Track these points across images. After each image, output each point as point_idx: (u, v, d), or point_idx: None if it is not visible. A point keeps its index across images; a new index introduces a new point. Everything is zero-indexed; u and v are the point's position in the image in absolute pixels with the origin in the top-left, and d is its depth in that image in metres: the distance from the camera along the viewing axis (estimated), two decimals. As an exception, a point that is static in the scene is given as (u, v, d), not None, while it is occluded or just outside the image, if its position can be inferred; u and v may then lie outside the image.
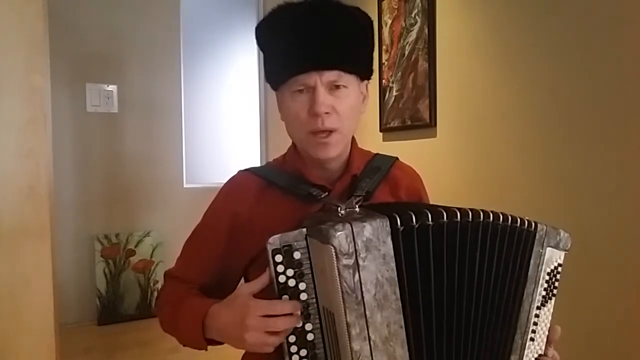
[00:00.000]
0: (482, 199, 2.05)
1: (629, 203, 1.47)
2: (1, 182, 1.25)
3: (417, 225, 0.70)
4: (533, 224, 0.80)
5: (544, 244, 0.81)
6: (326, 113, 0.83)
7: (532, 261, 0.80)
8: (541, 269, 0.81)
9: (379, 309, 0.68)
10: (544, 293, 0.82)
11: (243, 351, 0.94)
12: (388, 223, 0.69)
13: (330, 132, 0.85)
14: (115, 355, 2.36)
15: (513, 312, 0.78)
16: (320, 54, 0.82)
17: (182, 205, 3.02)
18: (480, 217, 0.75)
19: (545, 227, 0.81)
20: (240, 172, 0.97)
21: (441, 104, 2.30)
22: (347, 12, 0.86)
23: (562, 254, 0.84)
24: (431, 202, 1.05)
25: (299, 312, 0.70)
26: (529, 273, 0.80)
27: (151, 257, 2.89)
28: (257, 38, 0.92)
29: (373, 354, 0.68)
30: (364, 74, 0.91)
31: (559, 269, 0.84)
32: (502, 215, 0.77)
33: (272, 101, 3.28)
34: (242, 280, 0.97)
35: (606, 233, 1.53)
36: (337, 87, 0.84)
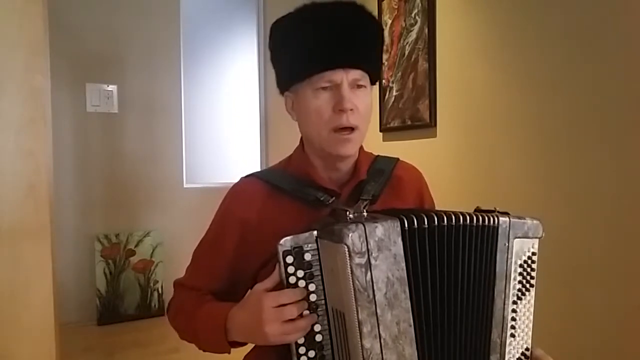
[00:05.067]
0: (482, 198, 2.04)
1: (631, 202, 1.47)
2: (1, 182, 1.25)
3: (417, 228, 0.72)
4: (495, 219, 0.79)
5: (510, 236, 0.80)
6: (350, 110, 0.84)
7: (498, 256, 0.79)
8: (510, 262, 0.80)
9: (389, 307, 0.69)
10: (518, 286, 0.81)
11: (244, 352, 0.94)
12: (399, 224, 0.71)
13: (352, 129, 0.86)
14: (115, 355, 2.35)
15: (486, 310, 0.78)
16: (349, 52, 0.85)
17: (182, 205, 3.02)
18: (460, 221, 0.76)
19: (508, 218, 0.80)
20: (243, 178, 0.96)
21: (441, 104, 2.30)
22: (370, 16, 0.89)
23: (535, 241, 0.83)
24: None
25: (306, 294, 0.72)
26: (497, 269, 0.79)
27: (151, 257, 2.89)
28: (275, 35, 0.92)
29: (383, 352, 0.69)
30: (377, 77, 0.94)
31: (534, 257, 0.82)
32: (473, 216, 0.78)
33: (272, 101, 3.27)
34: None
35: (608, 232, 1.53)
36: (359, 86, 0.87)
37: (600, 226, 1.55)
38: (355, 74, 0.86)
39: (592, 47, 1.57)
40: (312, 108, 0.86)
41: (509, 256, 0.80)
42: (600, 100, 1.55)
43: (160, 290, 2.89)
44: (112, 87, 2.86)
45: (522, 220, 0.82)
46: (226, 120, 3.88)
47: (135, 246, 2.86)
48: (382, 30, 0.95)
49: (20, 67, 1.27)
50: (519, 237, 0.81)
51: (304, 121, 0.90)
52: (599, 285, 1.55)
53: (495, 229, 0.79)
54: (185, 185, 3.09)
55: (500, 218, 0.80)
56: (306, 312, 0.72)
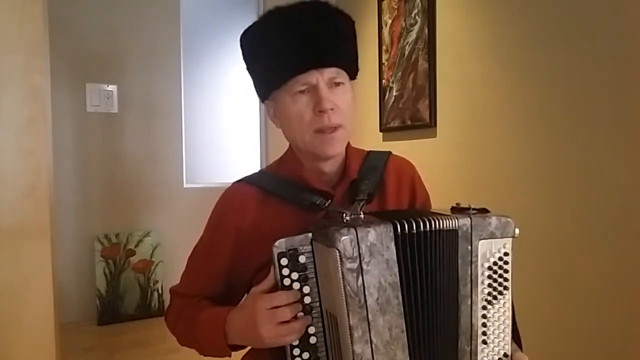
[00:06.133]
0: (482, 198, 2.04)
1: (633, 201, 1.47)
2: (1, 182, 1.25)
3: (408, 233, 0.72)
4: (455, 221, 0.75)
5: (472, 238, 0.75)
6: (331, 109, 0.84)
7: (460, 260, 0.75)
8: (476, 266, 0.76)
9: (381, 313, 0.69)
10: (488, 290, 0.77)
11: (242, 354, 0.94)
12: (392, 229, 0.70)
13: (335, 128, 0.85)
14: (115, 355, 2.35)
15: (453, 318, 0.76)
16: (320, 52, 0.83)
17: (182, 205, 3.02)
18: (451, 225, 0.75)
19: (469, 219, 0.75)
20: (235, 184, 0.95)
21: (441, 104, 2.31)
22: (337, 12, 0.88)
23: (507, 241, 0.77)
24: (431, 202, 1.05)
25: (299, 297, 0.72)
26: (460, 273, 0.75)
27: (151, 257, 2.89)
28: (244, 45, 0.91)
29: (374, 357, 0.68)
30: (354, 72, 0.93)
31: (507, 258, 0.77)
32: (443, 219, 0.75)
33: (272, 101, 3.26)
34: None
35: (612, 231, 1.53)
36: (337, 84, 0.86)
37: (604, 225, 1.55)
38: (331, 73, 0.84)
39: (593, 45, 1.57)
40: (292, 113, 0.86)
41: (473, 260, 0.75)
42: (601, 98, 1.55)
43: (160, 290, 2.89)
44: (112, 87, 2.86)
45: (487, 220, 0.76)
46: (226, 121, 3.88)
47: (135, 246, 2.86)
48: (352, 22, 0.92)
49: (20, 67, 1.27)
50: (484, 239, 0.76)
51: (286, 127, 0.89)
52: (605, 284, 1.55)
53: (455, 232, 0.75)
54: (185, 185, 3.09)
55: (460, 220, 0.75)
56: (300, 314, 0.72)
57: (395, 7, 2.63)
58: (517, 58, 1.87)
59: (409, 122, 2.51)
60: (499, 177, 1.96)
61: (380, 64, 2.76)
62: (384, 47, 2.74)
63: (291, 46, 0.83)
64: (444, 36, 2.28)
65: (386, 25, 2.72)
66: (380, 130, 2.77)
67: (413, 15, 2.46)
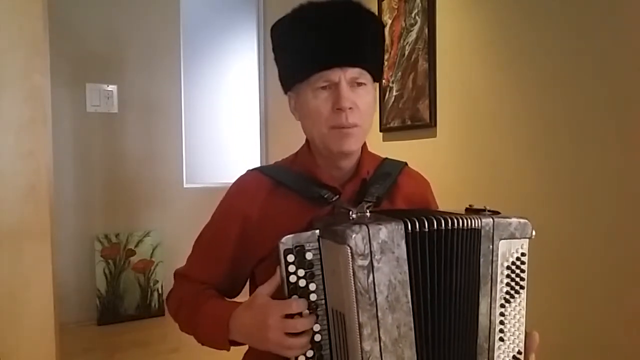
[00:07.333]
0: (483, 198, 2.04)
1: (635, 201, 1.47)
2: (1, 182, 1.25)
3: (419, 231, 0.72)
4: (478, 220, 0.76)
5: (494, 237, 0.77)
6: (350, 109, 0.85)
7: (482, 259, 0.76)
8: (496, 265, 0.77)
9: (390, 310, 0.69)
10: (507, 289, 0.79)
11: (243, 352, 0.94)
12: (403, 227, 0.70)
13: (352, 126, 0.86)
14: (115, 355, 2.35)
15: (472, 315, 0.77)
16: (345, 51, 0.85)
17: (182, 205, 3.02)
18: (460, 224, 0.75)
19: (492, 220, 0.77)
20: (249, 171, 0.97)
21: (441, 104, 2.31)
22: (368, 13, 0.89)
23: (524, 242, 0.80)
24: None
25: (307, 311, 0.72)
26: (481, 272, 0.77)
27: (151, 257, 2.89)
28: (274, 36, 0.93)
29: (383, 355, 0.68)
30: (378, 74, 0.94)
31: (523, 258, 0.80)
32: (463, 219, 0.76)
33: (272, 101, 3.27)
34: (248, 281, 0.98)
35: (611, 232, 1.53)
36: (359, 84, 0.87)
37: (604, 226, 1.55)
38: (354, 72, 0.86)
39: (593, 46, 1.57)
40: (311, 107, 0.87)
41: (494, 259, 0.77)
42: (602, 99, 1.55)
43: (160, 290, 2.89)
44: (112, 87, 2.86)
45: (508, 221, 0.78)
46: (226, 120, 3.88)
47: (135, 246, 2.86)
48: (382, 26, 0.94)
49: (20, 67, 1.27)
50: (504, 239, 0.78)
51: (305, 120, 0.91)
52: (603, 285, 1.55)
53: (478, 232, 0.76)
54: (185, 185, 3.09)
55: (483, 219, 0.77)
56: (307, 314, 0.72)
57: (395, 7, 2.63)
58: (517, 58, 1.87)
59: (409, 122, 2.51)
60: (499, 177, 1.96)
61: (380, 64, 2.76)
62: (384, 43, 2.74)
63: (318, 42, 0.85)
64: (444, 36, 2.28)
65: (386, 25, 2.72)
66: (380, 130, 2.77)
67: (413, 15, 2.46)
